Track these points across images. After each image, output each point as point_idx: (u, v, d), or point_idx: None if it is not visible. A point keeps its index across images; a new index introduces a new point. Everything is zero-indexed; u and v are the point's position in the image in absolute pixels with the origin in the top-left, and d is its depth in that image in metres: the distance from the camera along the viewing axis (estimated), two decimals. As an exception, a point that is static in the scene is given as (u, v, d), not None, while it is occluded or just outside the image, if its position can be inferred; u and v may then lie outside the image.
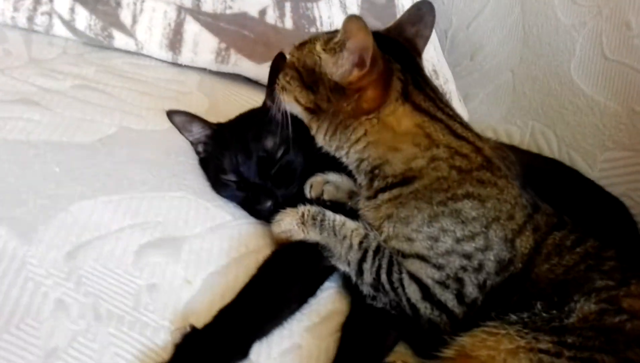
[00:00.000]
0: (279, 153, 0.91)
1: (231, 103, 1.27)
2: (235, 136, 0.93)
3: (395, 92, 0.81)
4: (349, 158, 0.86)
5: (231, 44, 1.31)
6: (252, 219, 0.92)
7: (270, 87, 0.95)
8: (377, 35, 0.88)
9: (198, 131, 0.98)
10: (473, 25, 1.74)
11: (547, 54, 1.42)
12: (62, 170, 0.84)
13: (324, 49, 0.82)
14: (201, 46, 1.30)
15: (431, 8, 0.89)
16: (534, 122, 1.45)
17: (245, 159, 0.90)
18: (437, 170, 0.79)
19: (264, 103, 0.99)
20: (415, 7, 0.91)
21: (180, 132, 0.98)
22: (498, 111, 1.56)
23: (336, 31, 0.83)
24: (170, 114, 0.96)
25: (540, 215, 0.83)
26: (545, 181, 0.98)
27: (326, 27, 1.43)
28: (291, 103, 0.88)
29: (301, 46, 0.88)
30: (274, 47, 1.31)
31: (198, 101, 1.22)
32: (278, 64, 0.95)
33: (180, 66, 1.34)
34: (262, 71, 1.35)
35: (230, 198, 0.93)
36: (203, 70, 1.35)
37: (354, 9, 1.51)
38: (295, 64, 0.86)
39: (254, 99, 1.31)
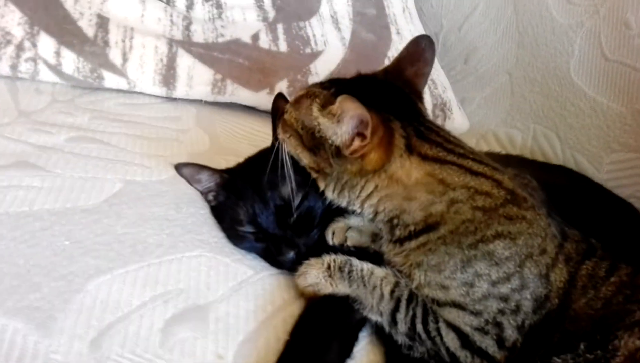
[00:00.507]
0: (297, 200, 0.87)
1: (232, 136, 1.23)
2: (248, 184, 0.89)
3: (398, 150, 0.78)
4: (363, 211, 0.83)
5: (227, 74, 1.27)
6: (273, 270, 0.88)
7: (274, 129, 0.91)
8: (374, 81, 0.86)
9: (207, 181, 0.94)
10: (465, 27, 1.72)
11: (544, 55, 1.40)
12: (72, 243, 0.79)
13: (321, 114, 0.78)
14: (196, 78, 1.25)
15: (430, 43, 0.86)
16: (535, 125, 1.43)
17: (263, 209, 0.86)
18: (459, 213, 0.76)
19: (272, 143, 0.95)
20: (414, 43, 0.88)
21: (190, 183, 0.94)
22: (497, 115, 1.54)
23: (331, 83, 0.81)
24: (179, 167, 0.92)
25: (570, 243, 0.80)
26: (557, 194, 0.95)
27: (321, 46, 1.39)
28: (295, 155, 0.84)
29: (297, 103, 0.83)
30: (270, 73, 1.29)
31: (198, 138, 1.17)
32: (278, 106, 0.92)
33: (174, 100, 1.28)
34: (260, 99, 1.31)
35: (249, 249, 0.89)
36: (198, 101, 1.30)
37: (346, 23, 1.47)
38: (293, 124, 0.82)
39: (255, 128, 1.27)
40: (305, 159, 0.82)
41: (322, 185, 0.83)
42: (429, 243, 0.77)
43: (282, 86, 1.30)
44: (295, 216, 0.87)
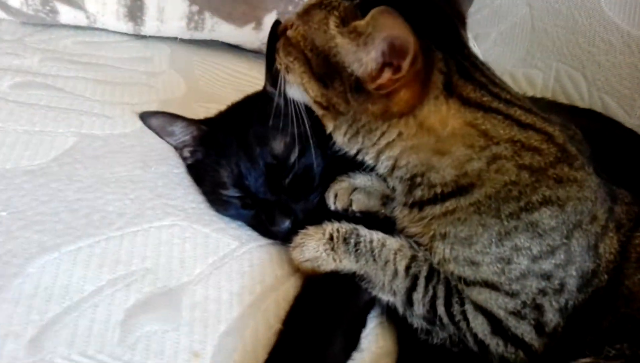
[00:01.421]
0: (293, 157, 0.72)
1: (213, 80, 1.06)
2: (232, 138, 0.73)
3: (435, 90, 0.62)
4: (378, 162, 0.68)
5: (205, 5, 1.08)
6: (263, 240, 0.74)
7: (269, 69, 0.74)
8: None
9: (182, 134, 0.78)
10: (481, -53, 1.52)
11: None
12: (10, 214, 0.64)
13: (340, 32, 0.61)
14: (168, 11, 1.07)
15: None
16: (558, 63, 1.29)
17: (251, 169, 0.71)
18: (502, 173, 0.62)
19: (264, 88, 0.78)
20: None
21: (161, 136, 0.77)
22: (515, 53, 1.39)
23: None
24: (146, 117, 0.76)
25: (620, 206, 0.68)
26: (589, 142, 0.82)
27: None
28: (299, 87, 0.68)
29: (306, 13, 0.66)
30: (256, 3, 1.10)
31: (172, 82, 1.00)
32: (277, 37, 0.73)
33: (144, 37, 1.10)
34: (244, 36, 1.13)
35: (235, 217, 0.75)
36: (172, 39, 1.12)
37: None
38: (299, 43, 0.66)
39: (239, 70, 1.11)
40: (312, 91, 0.65)
41: (330, 126, 0.67)
42: (458, 210, 0.63)
43: (271, 20, 1.11)
44: (290, 177, 0.72)
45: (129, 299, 0.60)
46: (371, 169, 0.71)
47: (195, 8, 1.08)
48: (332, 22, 0.62)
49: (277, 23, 0.73)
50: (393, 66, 0.59)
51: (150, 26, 1.08)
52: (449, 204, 0.63)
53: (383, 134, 0.64)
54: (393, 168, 0.66)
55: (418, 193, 0.65)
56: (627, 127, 1.08)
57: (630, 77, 1.13)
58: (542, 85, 1.31)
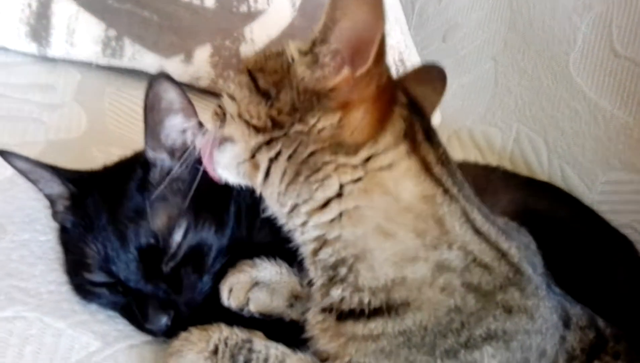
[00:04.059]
0: (177, 235, 0.59)
1: (125, 117, 0.91)
2: (103, 208, 0.59)
3: (395, 132, 0.53)
4: (305, 232, 0.55)
5: (125, 30, 0.94)
6: (138, 337, 0.59)
7: (149, 131, 0.62)
8: None
9: (50, 188, 0.63)
10: (447, -3, 1.46)
11: (539, 42, 1.19)
12: None
13: (300, 51, 0.54)
14: (79, 33, 0.93)
15: (443, 77, 0.70)
16: (519, 125, 1.23)
17: (119, 251, 0.57)
18: (447, 293, 0.51)
19: (143, 154, 0.64)
20: (423, 70, 0.72)
21: (30, 182, 0.63)
22: (475, 108, 1.32)
23: None
24: (7, 156, 0.62)
25: (573, 332, 0.58)
26: (540, 223, 0.74)
27: (262, 4, 1.07)
28: (230, 136, 0.56)
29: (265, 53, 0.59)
30: (188, 34, 0.99)
31: (72, 118, 0.85)
32: (156, 96, 0.61)
33: (53, 60, 0.95)
34: (172, 68, 0.99)
35: (104, 305, 0.60)
36: (87, 65, 0.97)
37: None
38: (249, 68, 0.57)
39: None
40: (250, 113, 0.55)
41: (264, 160, 0.54)
42: (383, 338, 0.51)
43: (204, 53, 0.99)
44: (173, 262, 0.58)
45: None
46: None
47: (112, 33, 0.94)
48: (292, 45, 0.55)
49: (158, 78, 0.61)
50: (354, 59, 0.51)
51: (57, 48, 0.93)
52: (375, 327, 0.51)
53: (328, 176, 0.52)
54: (321, 244, 0.54)
55: (337, 292, 0.53)
56: (587, 206, 1.01)
57: (593, 150, 1.07)
58: (500, 146, 1.24)
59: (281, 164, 0.54)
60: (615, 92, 1.04)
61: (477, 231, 0.53)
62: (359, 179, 0.52)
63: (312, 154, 0.52)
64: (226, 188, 0.59)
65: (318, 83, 0.52)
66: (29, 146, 0.75)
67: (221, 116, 0.57)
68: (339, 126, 0.52)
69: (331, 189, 0.52)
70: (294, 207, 0.54)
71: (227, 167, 0.57)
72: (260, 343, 0.55)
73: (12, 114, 0.80)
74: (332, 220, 0.53)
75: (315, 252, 0.55)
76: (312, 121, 0.52)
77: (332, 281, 0.54)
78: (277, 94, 0.53)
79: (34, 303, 0.57)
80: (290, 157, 0.53)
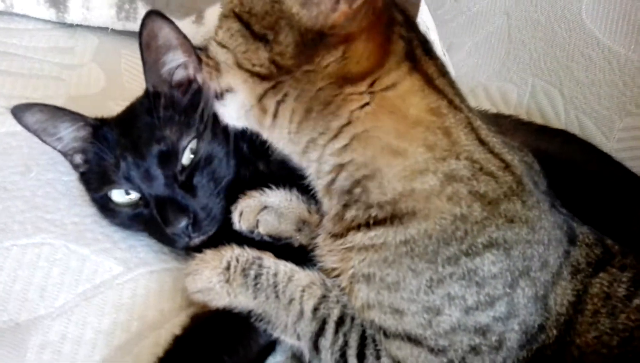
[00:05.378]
0: (185, 140, 0.63)
1: (140, 75, 0.93)
2: (117, 130, 0.64)
3: (397, 54, 0.53)
4: (321, 165, 0.56)
5: (138, -7, 0.97)
6: (157, 264, 0.62)
7: (148, 68, 0.66)
8: None
9: (69, 134, 0.66)
10: (457, -46, 1.46)
11: None
12: None
13: None
14: (95, -2, 0.95)
15: None
16: (534, 78, 1.21)
17: (138, 160, 0.61)
18: (454, 202, 0.51)
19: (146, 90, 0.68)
20: None
21: (42, 139, 0.66)
22: (490, 65, 1.31)
23: None
24: (19, 112, 0.64)
25: (579, 248, 0.58)
26: (557, 167, 0.74)
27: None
28: (229, 86, 0.56)
29: None
30: None
31: (91, 76, 0.89)
32: (151, 33, 0.64)
33: (72, 26, 0.99)
34: (184, 29, 1.00)
35: (129, 226, 0.64)
36: (104, 30, 1.00)
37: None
38: (236, 11, 0.55)
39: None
40: (249, 61, 0.54)
41: (271, 103, 0.54)
42: (385, 248, 0.52)
43: (215, 14, 1.00)
44: (185, 166, 0.62)
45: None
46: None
47: (127, -5, 0.97)
48: None
49: (149, 14, 0.64)
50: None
51: (75, 14, 0.96)
52: (378, 235, 0.52)
53: (339, 107, 0.52)
54: (337, 173, 0.55)
55: (351, 213, 0.55)
56: (603, 151, 1.00)
57: (609, 97, 1.05)
58: (516, 101, 1.22)
59: (289, 105, 0.54)
60: (630, 35, 1.02)
61: (482, 141, 0.54)
62: (366, 104, 0.52)
63: (320, 89, 0.53)
64: None
65: (317, 22, 0.52)
66: (50, 100, 0.78)
67: (214, 66, 0.57)
68: (344, 58, 0.52)
69: (343, 117, 0.53)
70: (310, 142, 0.55)
71: (234, 117, 0.58)
72: (269, 260, 0.58)
73: (33, 73, 0.84)
74: (345, 146, 0.53)
75: (331, 182, 0.56)
76: (317, 60, 0.52)
77: (346, 206, 0.55)
78: (276, 36, 0.53)
79: (59, 232, 0.61)
80: (297, 96, 0.54)
